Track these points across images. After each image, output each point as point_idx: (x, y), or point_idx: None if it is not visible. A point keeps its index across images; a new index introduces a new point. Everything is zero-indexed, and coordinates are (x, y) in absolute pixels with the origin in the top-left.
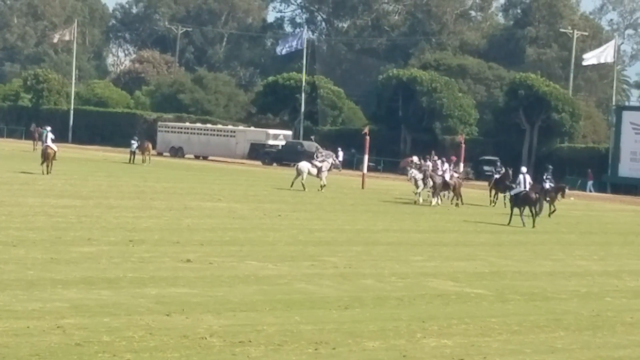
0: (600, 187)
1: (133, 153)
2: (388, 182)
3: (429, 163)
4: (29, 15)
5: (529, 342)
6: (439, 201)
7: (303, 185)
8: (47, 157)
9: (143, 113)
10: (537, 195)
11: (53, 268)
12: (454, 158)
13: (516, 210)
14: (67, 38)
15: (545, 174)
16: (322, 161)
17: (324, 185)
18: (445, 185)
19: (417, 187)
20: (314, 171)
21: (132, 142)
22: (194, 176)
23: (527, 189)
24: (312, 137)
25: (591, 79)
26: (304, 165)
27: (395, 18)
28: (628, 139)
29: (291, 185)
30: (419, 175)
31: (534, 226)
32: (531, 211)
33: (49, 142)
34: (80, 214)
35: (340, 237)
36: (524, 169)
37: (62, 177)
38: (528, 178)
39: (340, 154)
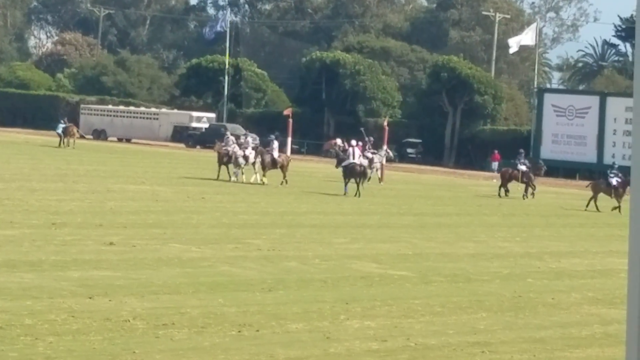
0: None
1: (60, 135)
2: (312, 164)
3: (249, 138)
4: None
5: (451, 323)
6: (263, 180)
7: None
8: None
9: (65, 95)
10: (363, 167)
11: None
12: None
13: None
14: None
15: (611, 169)
16: (374, 153)
17: (380, 179)
18: (274, 163)
19: (238, 165)
20: (365, 162)
21: (60, 124)
22: (117, 159)
23: (356, 161)
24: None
25: (513, 62)
26: None
27: (319, 1)
28: (550, 121)
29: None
30: (239, 152)
31: (359, 195)
32: (357, 181)
33: None
34: (2, 196)
35: (264, 219)
36: (353, 142)
37: None
38: (357, 151)
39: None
